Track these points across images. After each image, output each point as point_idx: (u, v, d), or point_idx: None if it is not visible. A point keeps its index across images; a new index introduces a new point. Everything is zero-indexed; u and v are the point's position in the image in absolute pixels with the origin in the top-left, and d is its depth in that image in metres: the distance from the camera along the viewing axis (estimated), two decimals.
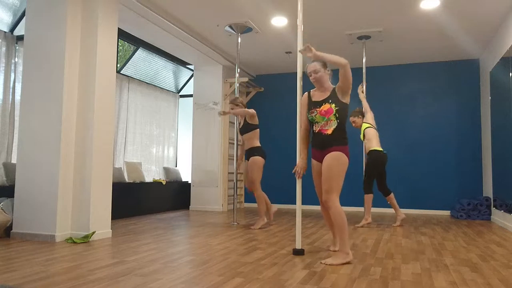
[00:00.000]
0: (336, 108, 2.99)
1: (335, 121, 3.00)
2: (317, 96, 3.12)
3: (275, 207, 5.05)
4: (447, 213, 6.64)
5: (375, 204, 6.98)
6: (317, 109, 3.04)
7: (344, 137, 3.03)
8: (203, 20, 5.26)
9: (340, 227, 2.88)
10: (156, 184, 6.51)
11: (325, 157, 3.00)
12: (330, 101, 3.02)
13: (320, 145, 3.05)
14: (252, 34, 5.65)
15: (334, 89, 3.07)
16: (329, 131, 3.00)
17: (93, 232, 3.75)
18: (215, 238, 3.91)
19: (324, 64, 3.09)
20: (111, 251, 3.23)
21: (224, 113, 4.84)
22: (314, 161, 3.15)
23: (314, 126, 3.09)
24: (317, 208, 7.10)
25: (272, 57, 6.80)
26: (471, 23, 5.20)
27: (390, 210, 6.88)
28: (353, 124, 5.22)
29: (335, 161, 2.95)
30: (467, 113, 6.75)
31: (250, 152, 4.70)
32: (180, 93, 8.11)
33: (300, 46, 3.34)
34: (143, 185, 6.16)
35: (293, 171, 3.17)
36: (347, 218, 5.84)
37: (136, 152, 6.85)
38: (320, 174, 3.10)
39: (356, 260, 2.97)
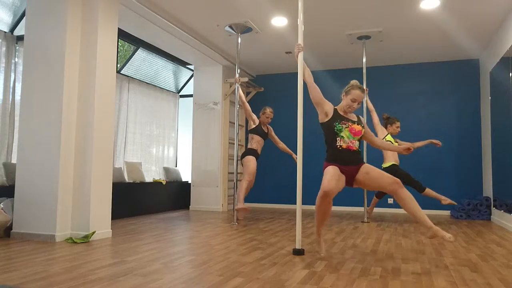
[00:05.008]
0: (362, 135, 3.21)
1: (358, 142, 3.16)
2: (345, 114, 3.22)
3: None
4: (447, 213, 6.64)
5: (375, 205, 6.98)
6: (349, 123, 3.14)
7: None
8: (203, 20, 5.26)
9: (417, 207, 2.94)
10: (156, 184, 6.51)
11: (362, 168, 3.11)
12: (362, 125, 3.21)
13: (349, 161, 3.11)
14: (252, 34, 5.65)
15: (360, 118, 3.28)
16: (355, 148, 3.13)
17: (93, 232, 3.75)
18: (215, 238, 3.91)
19: None
20: (111, 251, 3.23)
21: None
22: (337, 170, 3.10)
23: (338, 140, 3.12)
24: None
25: (272, 57, 6.80)
26: (471, 23, 5.20)
27: (390, 210, 6.89)
28: (398, 130, 5.52)
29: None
30: (467, 113, 6.74)
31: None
32: (180, 93, 8.11)
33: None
34: (143, 185, 6.16)
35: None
36: (348, 218, 5.85)
37: (136, 152, 6.85)
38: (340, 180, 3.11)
39: (356, 260, 2.97)
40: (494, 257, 3.16)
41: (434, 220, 5.67)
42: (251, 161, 5.14)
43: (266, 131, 5.36)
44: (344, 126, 3.11)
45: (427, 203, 6.78)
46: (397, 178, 2.99)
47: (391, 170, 5.25)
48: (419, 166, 6.87)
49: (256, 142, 5.28)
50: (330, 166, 3.09)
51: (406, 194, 2.93)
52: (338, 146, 3.10)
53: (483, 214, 5.85)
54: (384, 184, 3.02)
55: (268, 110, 5.30)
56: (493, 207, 5.67)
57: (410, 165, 6.91)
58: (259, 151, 5.29)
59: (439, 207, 6.70)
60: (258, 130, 5.29)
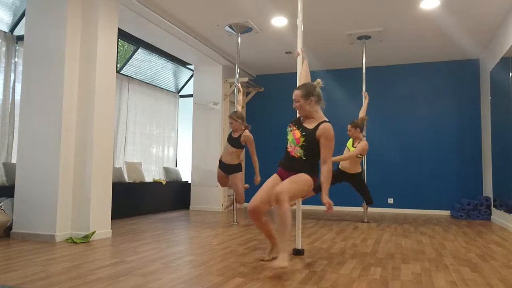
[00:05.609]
0: (303, 144, 2.80)
1: (302, 150, 2.81)
2: (303, 120, 2.94)
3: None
4: (447, 213, 6.64)
5: (376, 205, 7.00)
6: (294, 127, 2.90)
7: (315, 168, 2.86)
8: (203, 20, 5.26)
9: (284, 230, 2.59)
10: (156, 184, 6.51)
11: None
12: (304, 133, 2.81)
13: (287, 166, 2.87)
14: (252, 34, 5.65)
15: (318, 126, 2.79)
16: (295, 155, 2.83)
17: (93, 232, 3.75)
18: (215, 238, 3.91)
19: (307, 94, 2.83)
20: (111, 251, 3.23)
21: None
22: (274, 180, 2.91)
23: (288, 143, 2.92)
24: (317, 208, 7.10)
25: (272, 57, 6.80)
26: (471, 23, 5.20)
27: (390, 210, 6.89)
28: (349, 133, 5.14)
29: (304, 176, 2.79)
30: (467, 113, 6.74)
31: (234, 168, 4.82)
32: (180, 93, 8.11)
33: (300, 46, 3.34)
34: (143, 185, 6.16)
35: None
36: (348, 218, 5.85)
37: (136, 152, 6.85)
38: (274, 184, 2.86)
39: (356, 260, 2.97)
40: (494, 257, 3.16)
41: (434, 220, 5.68)
42: (217, 175, 5.06)
43: (236, 137, 4.70)
44: (289, 129, 2.92)
45: (427, 203, 6.78)
46: (282, 194, 2.58)
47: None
48: (419, 166, 6.87)
49: (224, 149, 4.92)
50: (274, 175, 2.95)
51: (280, 212, 2.57)
52: (287, 148, 2.92)
53: (483, 214, 5.85)
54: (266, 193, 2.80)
55: (229, 115, 4.73)
56: (493, 207, 5.67)
57: (410, 165, 6.91)
58: (226, 159, 4.81)
59: (439, 207, 6.71)
60: (228, 136, 4.86)
